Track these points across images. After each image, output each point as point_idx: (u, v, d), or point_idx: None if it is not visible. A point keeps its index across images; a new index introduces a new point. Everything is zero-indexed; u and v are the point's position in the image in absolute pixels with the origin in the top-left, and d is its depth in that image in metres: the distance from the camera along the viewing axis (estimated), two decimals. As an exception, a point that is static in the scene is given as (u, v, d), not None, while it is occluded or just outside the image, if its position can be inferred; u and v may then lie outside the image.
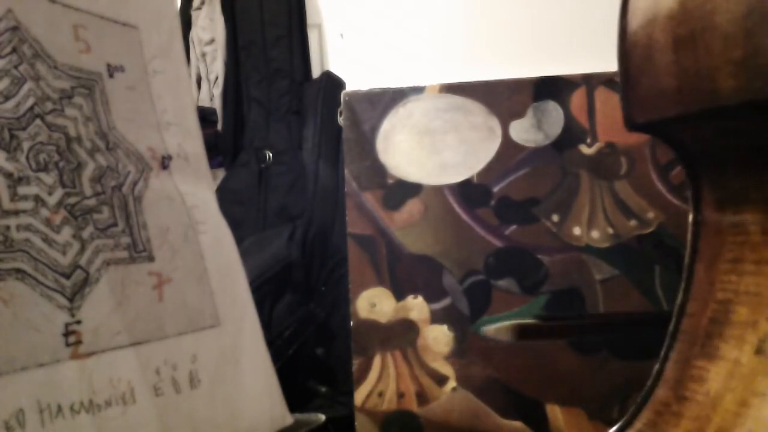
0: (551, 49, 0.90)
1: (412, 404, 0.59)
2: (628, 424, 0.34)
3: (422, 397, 0.59)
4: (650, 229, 0.59)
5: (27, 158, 0.34)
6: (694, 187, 0.34)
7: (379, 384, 0.60)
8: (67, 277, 0.35)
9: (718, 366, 0.30)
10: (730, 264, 0.31)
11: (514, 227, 0.61)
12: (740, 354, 0.29)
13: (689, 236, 0.34)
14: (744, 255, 0.31)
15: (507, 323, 0.59)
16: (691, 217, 0.35)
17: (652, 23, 0.31)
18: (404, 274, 0.61)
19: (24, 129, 0.35)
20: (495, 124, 0.62)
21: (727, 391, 0.29)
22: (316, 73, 0.99)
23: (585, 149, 0.61)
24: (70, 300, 0.35)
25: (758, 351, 0.29)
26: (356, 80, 0.96)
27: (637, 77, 0.32)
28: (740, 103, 0.27)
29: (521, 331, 0.59)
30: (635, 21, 0.32)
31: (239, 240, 0.49)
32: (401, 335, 0.60)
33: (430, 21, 1.00)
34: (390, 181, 0.62)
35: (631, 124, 0.34)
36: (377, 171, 0.63)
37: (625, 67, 0.33)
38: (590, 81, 0.61)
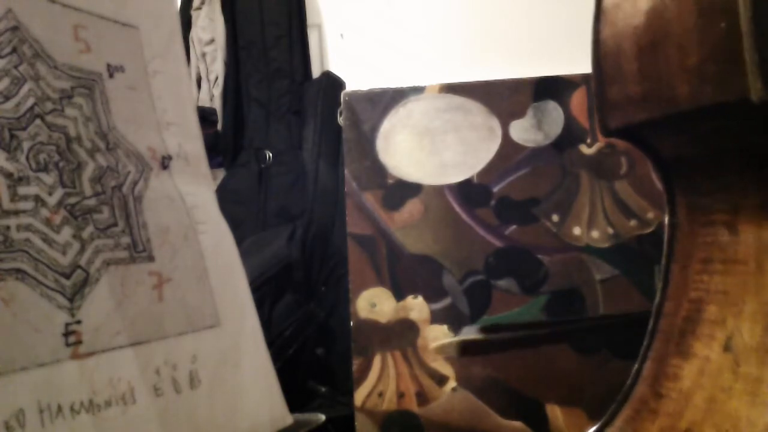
0: (551, 49, 0.90)
1: (412, 404, 0.59)
2: (609, 422, 0.35)
3: (422, 397, 0.59)
4: (650, 229, 0.59)
5: (27, 158, 0.34)
6: (668, 191, 0.36)
7: (379, 384, 0.60)
8: (67, 277, 0.35)
9: (691, 364, 0.31)
10: (702, 264, 0.33)
11: (514, 227, 0.61)
12: (710, 352, 0.31)
13: (665, 239, 0.36)
14: (713, 255, 0.32)
15: (454, 339, 0.59)
16: (666, 220, 0.36)
17: (621, 34, 0.32)
18: (404, 274, 0.61)
19: (24, 129, 0.35)
20: (495, 124, 0.62)
21: (697, 388, 0.30)
22: (316, 73, 0.99)
23: (585, 149, 0.61)
24: (70, 300, 0.35)
25: (726, 348, 0.30)
26: (356, 80, 0.96)
27: (609, 85, 0.34)
28: (694, 108, 0.29)
29: (464, 348, 0.59)
30: (607, 31, 0.34)
31: (239, 240, 0.49)
32: (401, 335, 0.60)
33: (430, 21, 1.00)
34: (390, 181, 0.62)
35: (605, 130, 0.35)
36: (377, 171, 0.63)
37: (598, 76, 0.35)
38: (590, 81, 0.61)
